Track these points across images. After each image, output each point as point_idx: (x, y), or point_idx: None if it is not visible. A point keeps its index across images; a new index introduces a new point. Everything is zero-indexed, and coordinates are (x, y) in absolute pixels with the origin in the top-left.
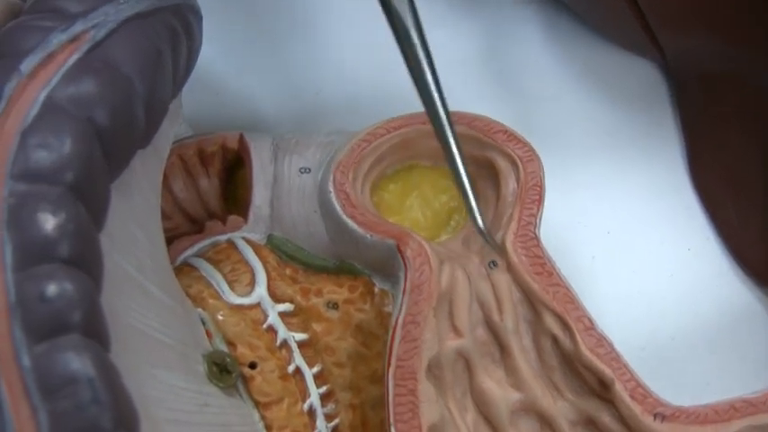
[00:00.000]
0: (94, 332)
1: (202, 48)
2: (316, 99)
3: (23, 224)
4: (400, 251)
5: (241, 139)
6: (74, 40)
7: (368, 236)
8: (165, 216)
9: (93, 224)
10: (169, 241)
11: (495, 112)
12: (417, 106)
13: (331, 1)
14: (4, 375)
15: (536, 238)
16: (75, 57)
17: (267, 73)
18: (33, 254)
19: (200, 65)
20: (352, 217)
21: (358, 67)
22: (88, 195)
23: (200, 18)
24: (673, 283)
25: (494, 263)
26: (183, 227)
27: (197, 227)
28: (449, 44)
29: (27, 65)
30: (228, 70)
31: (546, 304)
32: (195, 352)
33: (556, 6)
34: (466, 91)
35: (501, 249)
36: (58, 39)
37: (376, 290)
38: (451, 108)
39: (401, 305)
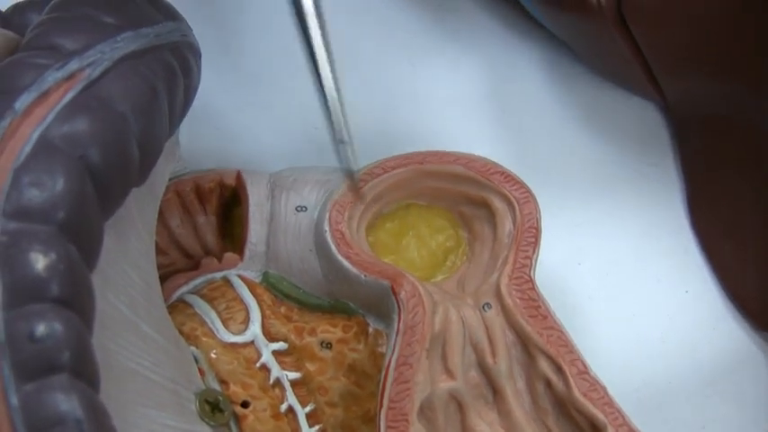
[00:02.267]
0: (84, 372)
1: (203, 83)
2: (315, 135)
3: (14, 263)
4: (394, 292)
5: (238, 176)
6: (69, 78)
7: (362, 276)
8: (162, 251)
9: (85, 263)
10: (165, 277)
11: (493, 149)
12: (417, 145)
13: (333, 39)
14: None
15: (531, 280)
16: (69, 95)
17: (267, 108)
18: (23, 293)
19: (200, 100)
20: (346, 257)
21: (358, 104)
22: (80, 235)
23: (198, 55)
24: (670, 325)
25: (488, 305)
26: (178, 263)
27: (193, 263)
28: (448, 79)
29: (21, 103)
30: (229, 106)
31: (540, 347)
32: (187, 390)
33: (557, 44)
34: (465, 127)
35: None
36: (53, 77)
37: (370, 330)
38: (451, 146)
39: (394, 346)
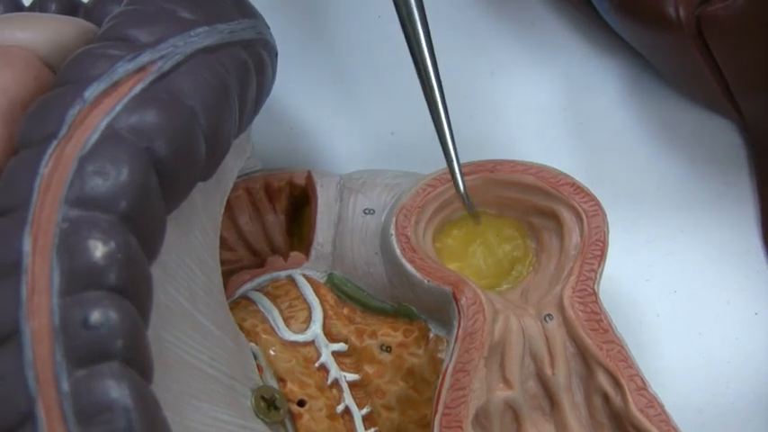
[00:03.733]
0: (136, 361)
1: (281, 81)
2: (390, 140)
3: (73, 250)
4: (455, 299)
5: (308, 177)
6: (140, 70)
7: (425, 281)
8: (229, 247)
9: (145, 254)
10: (230, 273)
11: (568, 161)
12: (491, 154)
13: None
14: (43, 398)
15: (594, 293)
16: (139, 87)
17: (343, 111)
18: (80, 280)
19: (277, 98)
20: (411, 261)
21: None
22: (141, 225)
23: (274, 54)
24: (737, 347)
25: (549, 316)
26: (245, 259)
27: (259, 260)
28: (525, 90)
29: (91, 92)
30: (306, 105)
31: (599, 361)
32: (243, 386)
33: (636, 59)
34: (540, 138)
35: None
36: (124, 68)
37: (431, 335)
38: (525, 156)
39: (452, 352)
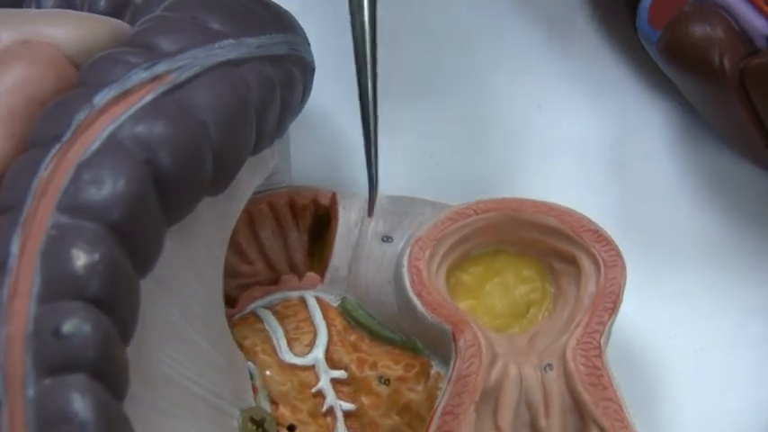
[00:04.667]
0: (105, 376)
1: (325, 96)
2: (430, 166)
3: (56, 257)
4: (454, 339)
5: (333, 198)
6: (154, 79)
7: (428, 316)
8: (248, 261)
9: (135, 267)
10: (245, 287)
11: (603, 201)
12: (526, 188)
13: (465, 66)
14: (9, 403)
15: (599, 347)
16: (149, 96)
17: (387, 131)
18: (59, 289)
19: (319, 112)
20: (418, 295)
21: (477, 138)
22: (132, 238)
23: (308, 70)
24: (760, 411)
25: (550, 366)
26: (262, 274)
27: (275, 276)
28: (572, 126)
29: (101, 98)
30: (348, 122)
31: (594, 418)
32: (232, 406)
33: (688, 104)
34: (580, 176)
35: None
36: (137, 76)
37: (432, 372)
38: (562, 191)
39: (444, 393)
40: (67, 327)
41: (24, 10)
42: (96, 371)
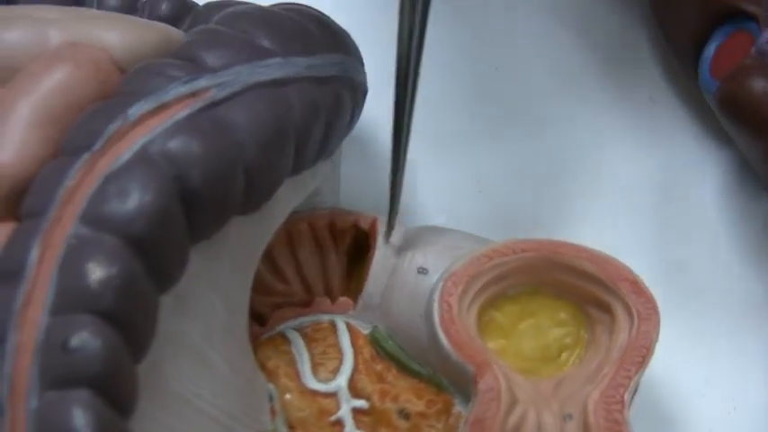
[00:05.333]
0: (110, 393)
1: (380, 118)
2: (478, 197)
3: (73, 269)
4: (475, 381)
5: (373, 223)
6: (192, 94)
7: (453, 355)
8: (285, 280)
9: (155, 283)
10: (279, 306)
11: (648, 248)
12: (573, 227)
13: (526, 101)
14: (12, 412)
15: (622, 401)
16: (185, 112)
17: (438, 158)
18: (72, 301)
19: (375, 135)
20: (446, 331)
21: (526, 174)
22: (154, 253)
23: (359, 93)
24: None
25: (570, 416)
26: (296, 295)
27: (309, 298)
28: (628, 167)
29: (136, 110)
30: None
31: None
32: (246, 428)
33: (742, 155)
34: (624, 217)
35: None
36: (176, 90)
37: (454, 410)
38: (606, 234)
39: None
40: (76, 340)
41: (82, 9)
42: (101, 387)
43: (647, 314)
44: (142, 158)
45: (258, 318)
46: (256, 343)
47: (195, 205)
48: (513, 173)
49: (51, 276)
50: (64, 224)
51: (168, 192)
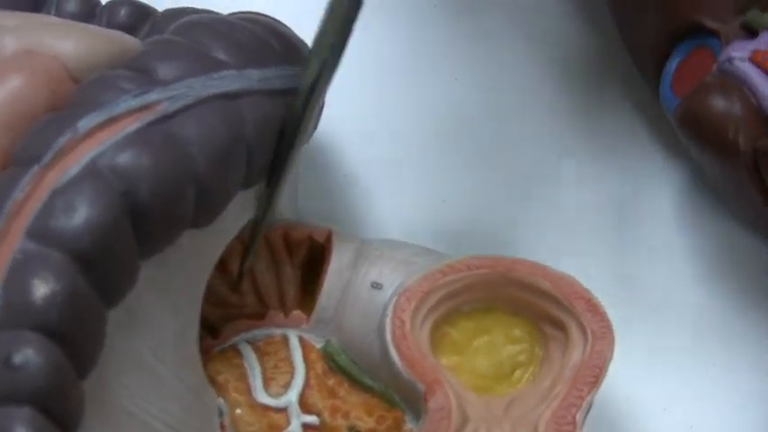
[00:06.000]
0: (53, 411)
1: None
2: (439, 207)
3: (17, 284)
4: (425, 399)
5: (328, 236)
6: (142, 108)
7: (404, 372)
8: (240, 292)
9: (102, 299)
10: (232, 318)
11: (605, 263)
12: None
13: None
14: None
15: (574, 422)
16: (135, 125)
17: (398, 166)
18: (16, 317)
19: (332, 142)
20: (397, 348)
21: (489, 187)
22: (101, 269)
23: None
24: None
25: None
26: (251, 307)
27: (263, 310)
28: (581, 182)
29: (86, 123)
30: (362, 156)
31: None
32: None
33: (699, 169)
34: (582, 231)
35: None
36: (126, 103)
37: (405, 427)
38: (561, 251)
39: None
40: (19, 357)
41: (39, 16)
42: (44, 404)
43: (601, 333)
44: (90, 173)
45: (210, 329)
46: (208, 356)
47: (144, 220)
48: (477, 186)
49: None
50: (10, 238)
51: (116, 207)
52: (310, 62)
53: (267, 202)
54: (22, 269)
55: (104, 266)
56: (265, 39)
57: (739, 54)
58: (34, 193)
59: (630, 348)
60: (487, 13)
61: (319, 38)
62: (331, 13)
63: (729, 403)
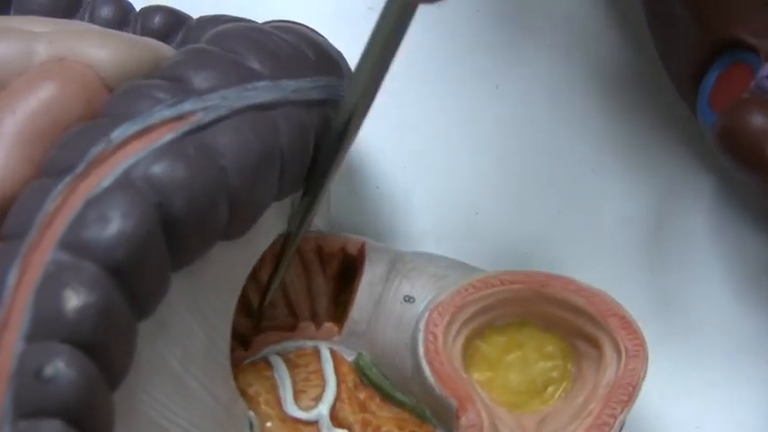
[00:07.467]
0: (82, 424)
1: (375, 137)
2: (474, 220)
3: (50, 296)
4: (457, 415)
5: (361, 249)
6: (177, 118)
7: (436, 388)
8: (271, 303)
9: (134, 311)
10: (263, 330)
11: (640, 280)
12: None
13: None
14: None
15: None
16: (169, 136)
17: (434, 178)
18: (47, 328)
19: (368, 154)
20: (430, 363)
21: (524, 198)
22: (133, 281)
23: None
24: None
25: None
26: (282, 318)
27: (294, 322)
28: (619, 198)
29: (120, 133)
30: (397, 168)
31: None
32: None
33: (736, 184)
34: (617, 247)
35: None
36: (161, 113)
37: None
38: (597, 266)
39: None
40: (50, 369)
41: (71, 22)
42: (74, 418)
43: (635, 351)
44: (124, 183)
45: (242, 340)
46: (239, 368)
47: (177, 231)
48: (512, 197)
49: (28, 302)
50: (43, 249)
51: (150, 218)
52: (357, 77)
53: (304, 213)
54: (54, 280)
55: (137, 278)
56: (300, 49)
57: None
58: (67, 203)
59: (663, 365)
60: (528, 22)
61: (368, 50)
62: (380, 26)
63: (763, 422)
